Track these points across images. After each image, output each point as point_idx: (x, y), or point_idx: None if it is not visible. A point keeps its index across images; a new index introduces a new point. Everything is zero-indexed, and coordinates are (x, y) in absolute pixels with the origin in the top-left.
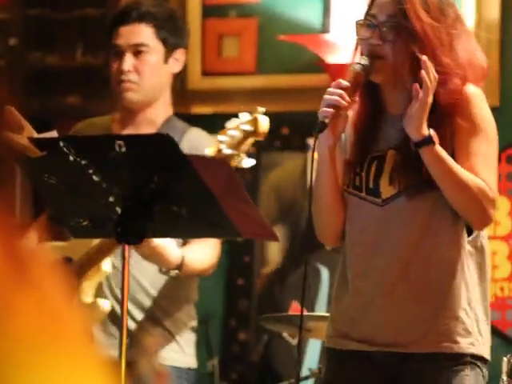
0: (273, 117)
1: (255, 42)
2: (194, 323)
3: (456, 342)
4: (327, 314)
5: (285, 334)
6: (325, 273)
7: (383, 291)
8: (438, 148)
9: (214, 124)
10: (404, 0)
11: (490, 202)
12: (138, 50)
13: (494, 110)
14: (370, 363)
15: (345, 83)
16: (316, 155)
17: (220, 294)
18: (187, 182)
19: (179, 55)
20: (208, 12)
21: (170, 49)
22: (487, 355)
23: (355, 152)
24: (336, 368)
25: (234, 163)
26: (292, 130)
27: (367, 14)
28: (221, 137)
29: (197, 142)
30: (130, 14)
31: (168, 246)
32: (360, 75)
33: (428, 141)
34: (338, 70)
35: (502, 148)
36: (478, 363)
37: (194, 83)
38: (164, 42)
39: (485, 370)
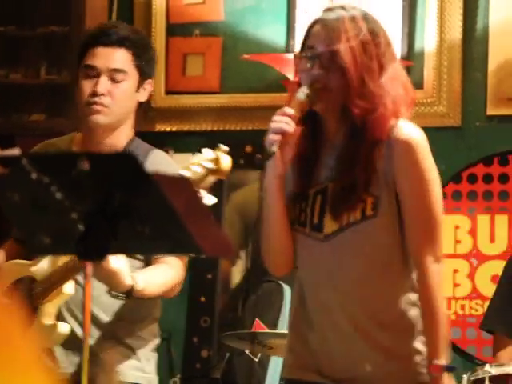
0: (237, 135)
1: (219, 60)
2: (157, 341)
3: (420, 374)
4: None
5: (247, 351)
6: (288, 291)
7: (336, 327)
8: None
9: (178, 142)
10: (338, 29)
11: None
12: (114, 75)
13: (455, 129)
14: None
15: (291, 111)
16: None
17: (182, 311)
18: (150, 200)
19: (148, 85)
20: (172, 31)
21: (143, 78)
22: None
23: (299, 184)
24: None
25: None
26: (256, 149)
27: (304, 45)
28: (184, 171)
29: (160, 164)
30: (109, 36)
31: (121, 271)
32: (304, 104)
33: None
34: None
35: (464, 167)
36: None
37: (158, 101)
38: (139, 70)
39: None
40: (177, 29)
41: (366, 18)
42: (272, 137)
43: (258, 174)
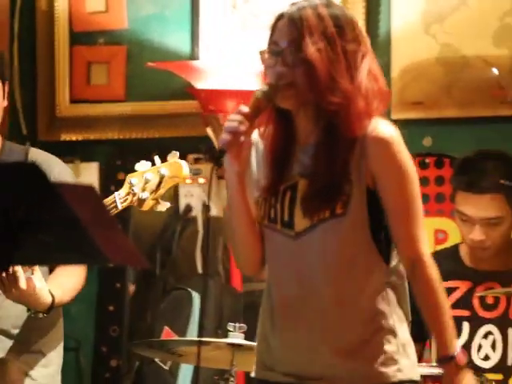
0: (143, 143)
1: (124, 69)
2: (61, 350)
3: (382, 373)
4: (199, 339)
5: (157, 360)
6: (196, 298)
7: (304, 326)
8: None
9: (84, 151)
10: (301, 23)
11: (434, 273)
12: None
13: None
14: None
15: (245, 109)
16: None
17: (91, 320)
18: (54, 210)
19: (6, 89)
20: (76, 39)
21: (3, 84)
22: (416, 376)
23: (270, 179)
24: None
25: (147, 206)
26: (162, 157)
27: (270, 41)
28: (133, 179)
29: (41, 159)
30: None
31: (41, 291)
32: (261, 101)
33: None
34: (207, 96)
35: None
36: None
37: (63, 111)
38: (1, 77)
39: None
40: (80, 37)
41: (331, 10)
42: (223, 136)
43: None
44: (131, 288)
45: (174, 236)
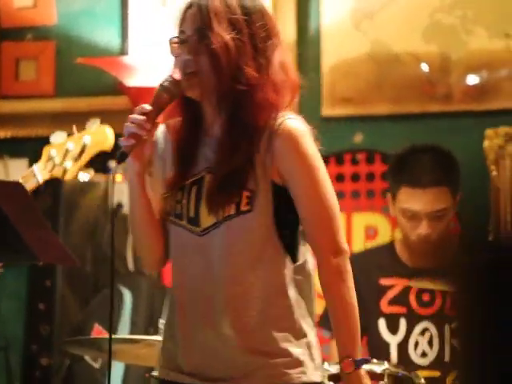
0: None
1: (53, 65)
2: None
3: (286, 375)
4: (130, 337)
5: (87, 358)
6: (127, 295)
7: (209, 325)
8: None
9: (13, 148)
10: (207, 11)
11: (348, 274)
12: None
13: None
14: None
15: (147, 108)
16: (119, 180)
17: (21, 319)
18: None
19: None
20: (4, 35)
21: None
22: (318, 378)
23: (176, 174)
24: None
25: (71, 176)
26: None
27: (178, 30)
28: (52, 150)
29: None
30: None
31: None
32: (162, 97)
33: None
34: (137, 93)
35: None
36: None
37: None
38: None
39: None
40: (8, 33)
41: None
42: (124, 140)
43: (100, 177)
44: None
45: (104, 233)
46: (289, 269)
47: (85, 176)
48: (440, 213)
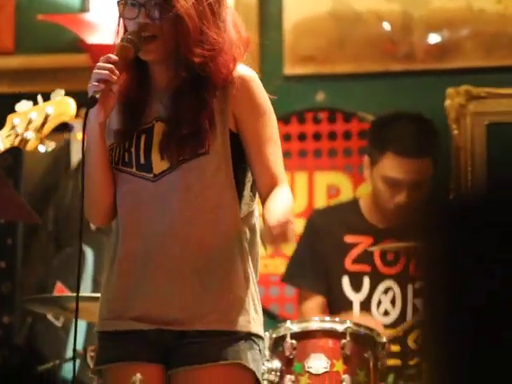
0: (34, 97)
1: (13, 21)
2: None
3: (235, 321)
4: (92, 295)
5: (49, 316)
6: (89, 254)
7: (161, 268)
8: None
9: None
10: None
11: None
12: None
13: None
14: (146, 341)
15: (114, 57)
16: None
17: None
18: None
19: None
20: None
21: None
22: (262, 333)
23: (123, 124)
24: (111, 346)
25: (32, 147)
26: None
27: None
28: (15, 119)
29: None
30: None
31: None
32: (128, 50)
33: None
34: (98, 50)
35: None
36: (255, 339)
37: None
38: None
39: (261, 345)
40: None
41: None
42: (95, 85)
43: (56, 136)
44: None
45: (66, 192)
46: (241, 218)
47: (43, 148)
48: (422, 183)
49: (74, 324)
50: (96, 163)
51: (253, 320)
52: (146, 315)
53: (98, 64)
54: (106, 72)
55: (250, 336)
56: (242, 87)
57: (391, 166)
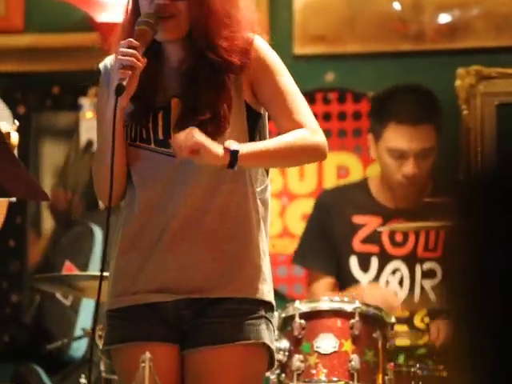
0: (43, 76)
1: (22, 0)
2: None
3: (258, 289)
4: (101, 273)
5: (58, 295)
6: (98, 233)
7: (180, 239)
8: (245, 150)
9: None
10: None
11: (320, 143)
12: None
13: None
14: (161, 318)
15: (135, 42)
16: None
17: None
18: None
19: None
20: None
21: None
22: (274, 302)
23: (137, 105)
24: (121, 325)
25: None
26: (63, 90)
27: None
28: None
29: None
30: None
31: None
32: (148, 33)
33: (232, 159)
34: (107, 29)
35: None
36: (270, 318)
37: None
38: None
39: (274, 321)
40: None
41: None
42: (122, 72)
43: (66, 115)
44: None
45: (74, 171)
46: (256, 190)
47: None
48: (427, 152)
49: (82, 302)
50: (116, 145)
51: (271, 289)
52: (165, 286)
53: (122, 50)
54: (132, 58)
55: (268, 304)
56: (256, 53)
57: (394, 137)
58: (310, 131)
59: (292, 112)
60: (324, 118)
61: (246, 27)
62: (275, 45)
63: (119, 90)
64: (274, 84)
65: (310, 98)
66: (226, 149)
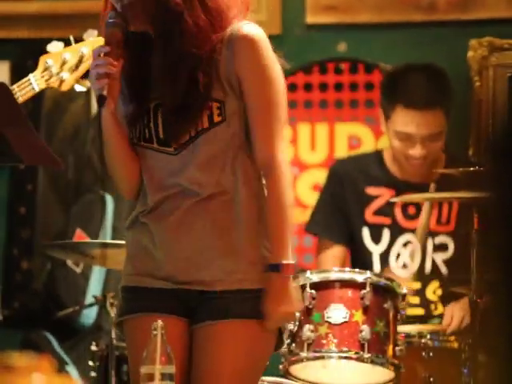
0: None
1: None
2: None
3: (257, 279)
4: (112, 242)
5: (69, 262)
6: (109, 201)
7: (186, 229)
8: (290, 255)
9: None
10: None
11: (285, 177)
12: None
13: (275, 37)
14: (171, 295)
15: (105, 49)
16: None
17: (1, 223)
18: None
19: None
20: None
21: None
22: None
23: (136, 102)
24: (133, 298)
25: (67, 86)
26: None
27: None
28: (49, 60)
29: None
30: None
31: None
32: (116, 34)
33: (290, 270)
34: None
35: (284, 76)
36: None
37: None
38: None
39: None
40: None
41: None
42: (99, 83)
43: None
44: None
45: (86, 140)
46: (257, 179)
47: (81, 88)
48: (435, 137)
49: (93, 270)
50: (117, 147)
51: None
52: (172, 276)
53: (93, 60)
54: (104, 67)
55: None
56: (245, 47)
57: (402, 121)
58: (277, 172)
59: (264, 138)
60: (336, 88)
61: (202, 13)
62: (287, 14)
63: (100, 100)
64: (255, 93)
65: (321, 67)
66: (285, 265)
